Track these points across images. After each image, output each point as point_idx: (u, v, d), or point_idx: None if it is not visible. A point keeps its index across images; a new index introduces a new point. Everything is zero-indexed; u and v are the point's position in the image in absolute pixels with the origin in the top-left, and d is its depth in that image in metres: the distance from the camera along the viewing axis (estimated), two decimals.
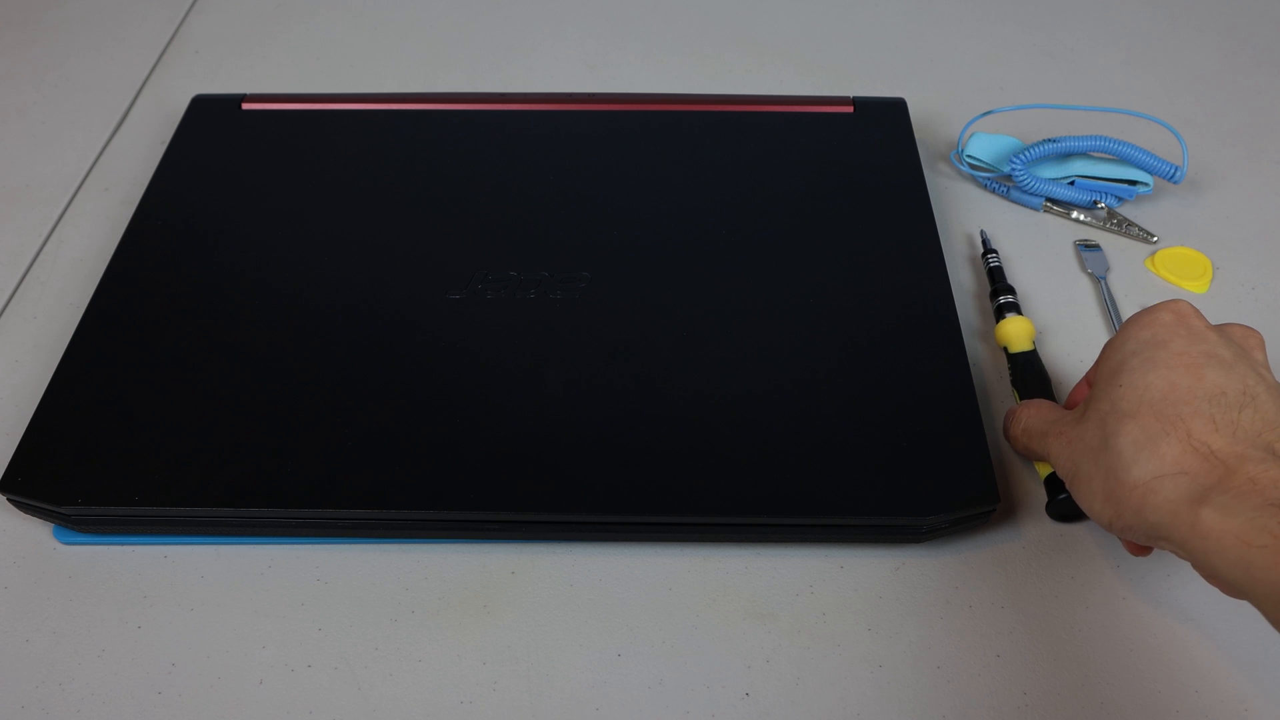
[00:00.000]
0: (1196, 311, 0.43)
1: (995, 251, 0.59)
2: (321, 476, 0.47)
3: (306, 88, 0.72)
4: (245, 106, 0.66)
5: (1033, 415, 0.48)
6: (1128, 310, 0.58)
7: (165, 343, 0.52)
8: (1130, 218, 0.63)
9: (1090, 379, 0.47)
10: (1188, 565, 0.47)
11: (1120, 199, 0.63)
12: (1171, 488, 0.38)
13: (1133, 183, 0.63)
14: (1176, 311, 0.43)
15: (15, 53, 0.76)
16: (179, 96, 0.70)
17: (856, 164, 0.62)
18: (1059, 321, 0.57)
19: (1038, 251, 0.61)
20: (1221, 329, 0.43)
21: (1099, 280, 0.59)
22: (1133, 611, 0.46)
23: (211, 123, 0.65)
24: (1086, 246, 0.61)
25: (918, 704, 0.43)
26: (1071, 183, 0.63)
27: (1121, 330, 0.44)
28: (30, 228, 0.63)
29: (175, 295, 0.55)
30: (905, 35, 0.79)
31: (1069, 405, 0.49)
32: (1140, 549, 0.45)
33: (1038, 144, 0.62)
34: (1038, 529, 0.49)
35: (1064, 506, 0.48)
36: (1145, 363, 0.42)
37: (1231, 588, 0.37)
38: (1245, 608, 0.45)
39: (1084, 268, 0.60)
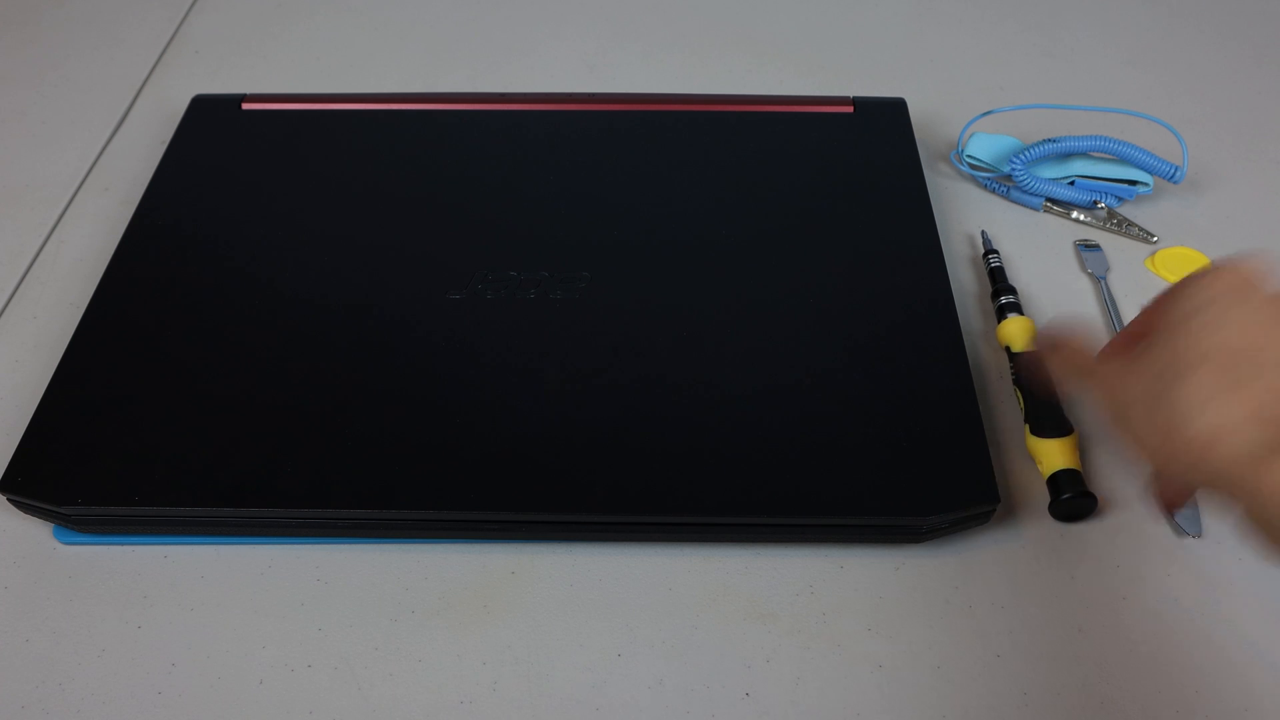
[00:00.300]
0: (1261, 273, 0.44)
1: (996, 252, 0.59)
2: (321, 476, 0.47)
3: (306, 88, 0.72)
4: (245, 106, 0.66)
5: (1077, 349, 0.46)
6: (1128, 309, 0.57)
7: (165, 343, 0.52)
8: (1130, 218, 0.63)
9: (1134, 331, 0.47)
10: (1188, 565, 0.47)
11: (1120, 199, 0.63)
12: (1239, 441, 0.38)
13: (1133, 183, 0.63)
14: (1240, 271, 0.43)
15: (15, 53, 0.76)
16: (179, 96, 0.70)
17: (856, 164, 0.62)
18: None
19: (1038, 251, 0.61)
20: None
21: (1099, 280, 0.59)
22: (1133, 611, 0.46)
23: (211, 123, 0.65)
24: (1086, 246, 0.61)
25: (918, 704, 0.43)
26: (1071, 183, 0.63)
27: (1183, 285, 0.44)
28: (30, 228, 0.63)
29: (175, 295, 0.54)
30: (905, 35, 0.79)
31: (1107, 354, 0.48)
32: (1174, 500, 0.44)
33: (1038, 144, 0.62)
34: (1038, 529, 0.49)
35: (1066, 507, 0.48)
36: (1213, 319, 0.41)
37: None
38: (1245, 608, 0.45)
39: (1084, 268, 0.60)
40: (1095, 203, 0.63)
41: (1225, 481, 0.39)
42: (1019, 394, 0.52)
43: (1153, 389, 0.41)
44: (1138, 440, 0.42)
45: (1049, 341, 0.48)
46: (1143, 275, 0.60)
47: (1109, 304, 0.57)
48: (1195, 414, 0.40)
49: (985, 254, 0.60)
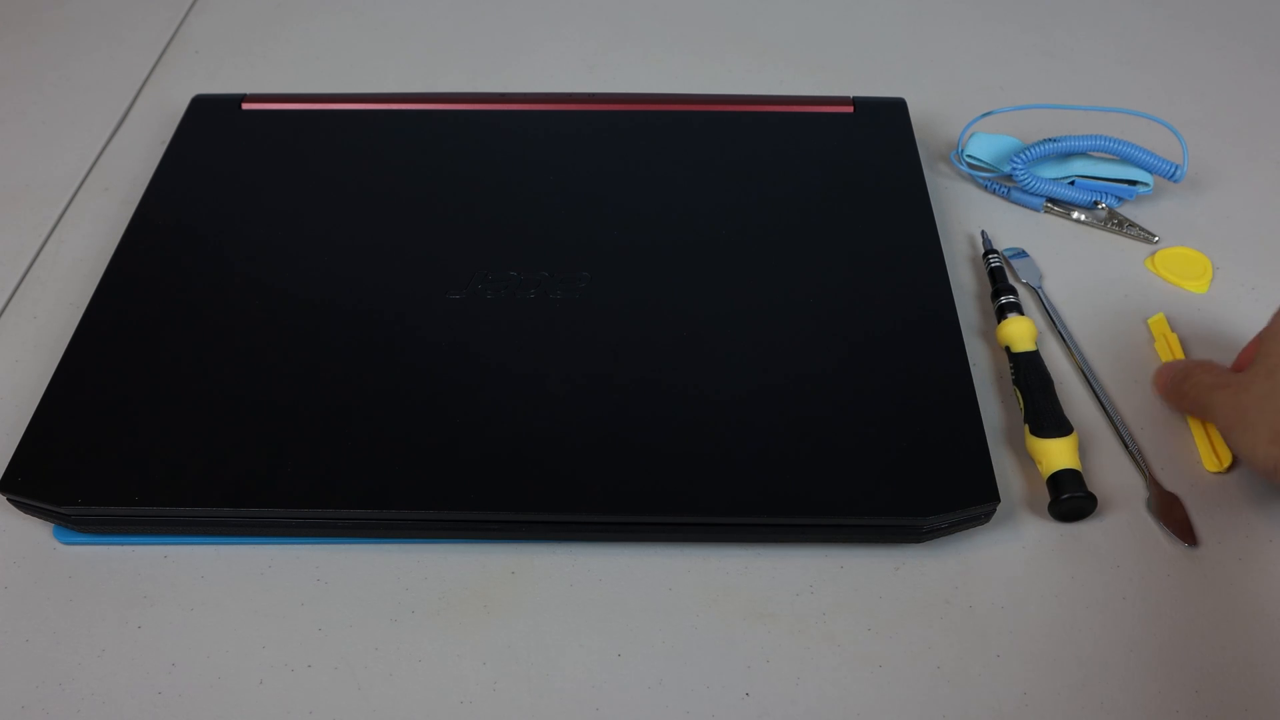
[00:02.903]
0: None
1: (996, 252, 0.59)
2: (321, 476, 0.47)
3: (306, 88, 0.72)
4: (245, 106, 0.66)
5: (1205, 369, 0.50)
6: (1070, 316, 0.57)
7: (165, 343, 0.52)
8: (1130, 218, 0.63)
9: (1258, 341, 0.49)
10: (1187, 565, 0.47)
11: (1120, 199, 0.63)
12: None
13: (1133, 182, 0.63)
14: None
15: (15, 53, 0.76)
16: (179, 96, 0.70)
17: (856, 164, 0.62)
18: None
19: (1038, 252, 0.61)
20: None
21: (1035, 290, 0.58)
22: (1132, 611, 0.46)
23: (211, 123, 0.65)
24: (1015, 254, 0.60)
25: (918, 704, 0.43)
26: (1071, 183, 0.63)
27: None
28: (30, 228, 0.63)
29: (175, 295, 0.55)
30: (905, 35, 0.79)
31: (1236, 367, 0.51)
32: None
33: (1038, 144, 0.62)
34: (1038, 529, 0.49)
35: (1066, 506, 0.48)
36: None
37: None
38: (1245, 609, 0.45)
39: (1018, 278, 0.59)
40: (1095, 203, 0.63)
41: None
42: (1019, 394, 0.52)
43: (1268, 385, 0.44)
44: (1254, 440, 0.44)
45: (1170, 369, 0.51)
46: (1143, 275, 0.60)
47: (1050, 310, 0.57)
48: None
49: (985, 254, 0.60)
